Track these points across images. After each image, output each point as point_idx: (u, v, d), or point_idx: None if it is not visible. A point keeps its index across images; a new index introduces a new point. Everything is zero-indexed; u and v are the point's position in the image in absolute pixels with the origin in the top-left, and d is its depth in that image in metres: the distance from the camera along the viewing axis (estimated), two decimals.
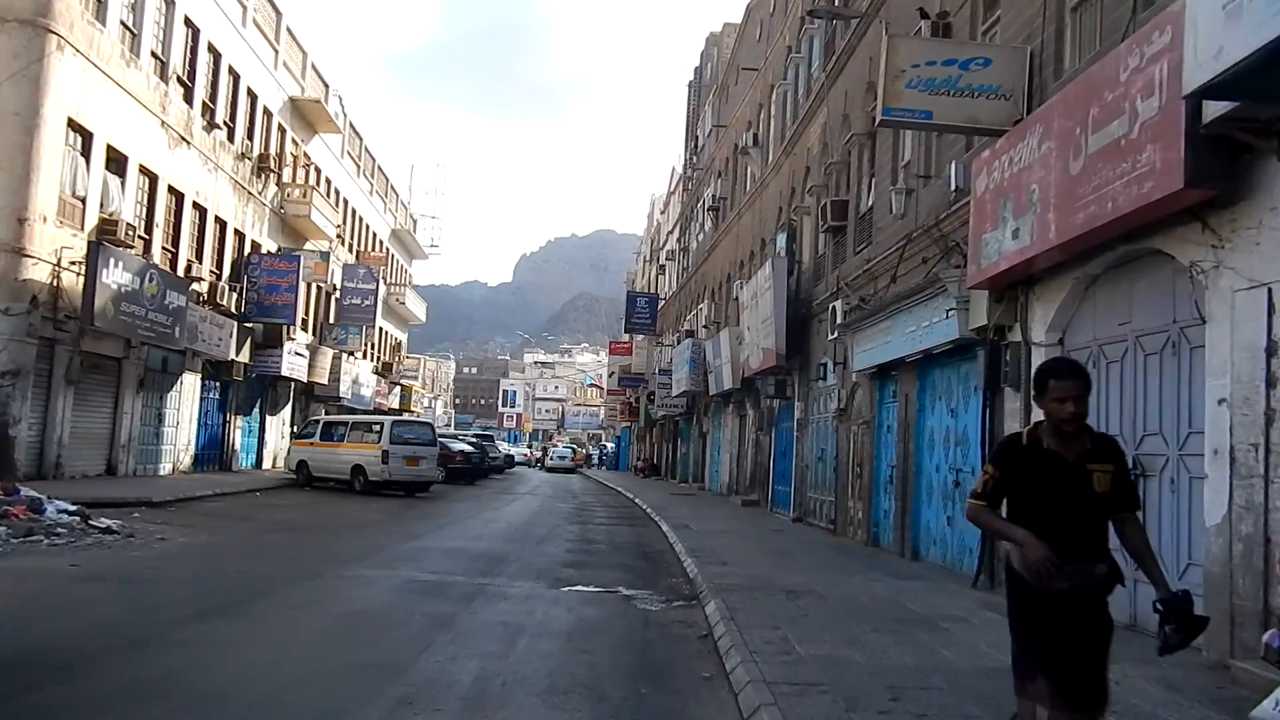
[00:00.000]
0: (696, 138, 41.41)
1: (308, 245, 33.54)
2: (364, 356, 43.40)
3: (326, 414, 33.22)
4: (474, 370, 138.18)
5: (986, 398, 10.58)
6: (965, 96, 10.20)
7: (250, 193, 28.59)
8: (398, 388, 49.90)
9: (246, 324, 28.51)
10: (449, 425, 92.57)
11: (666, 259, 47.66)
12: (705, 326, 33.22)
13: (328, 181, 36.60)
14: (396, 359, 50.14)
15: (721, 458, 30.48)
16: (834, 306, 16.22)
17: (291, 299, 29.27)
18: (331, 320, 38.09)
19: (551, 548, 14.53)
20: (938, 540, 12.52)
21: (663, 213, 53.18)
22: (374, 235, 45.05)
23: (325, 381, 35.05)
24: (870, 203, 16.45)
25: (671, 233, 47.73)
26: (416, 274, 55.41)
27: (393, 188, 49.27)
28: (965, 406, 11.86)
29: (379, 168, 45.67)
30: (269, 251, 30.07)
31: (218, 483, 22.64)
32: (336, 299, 38.49)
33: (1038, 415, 3.95)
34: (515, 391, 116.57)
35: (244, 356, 28.21)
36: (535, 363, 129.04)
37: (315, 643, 7.04)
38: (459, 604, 8.89)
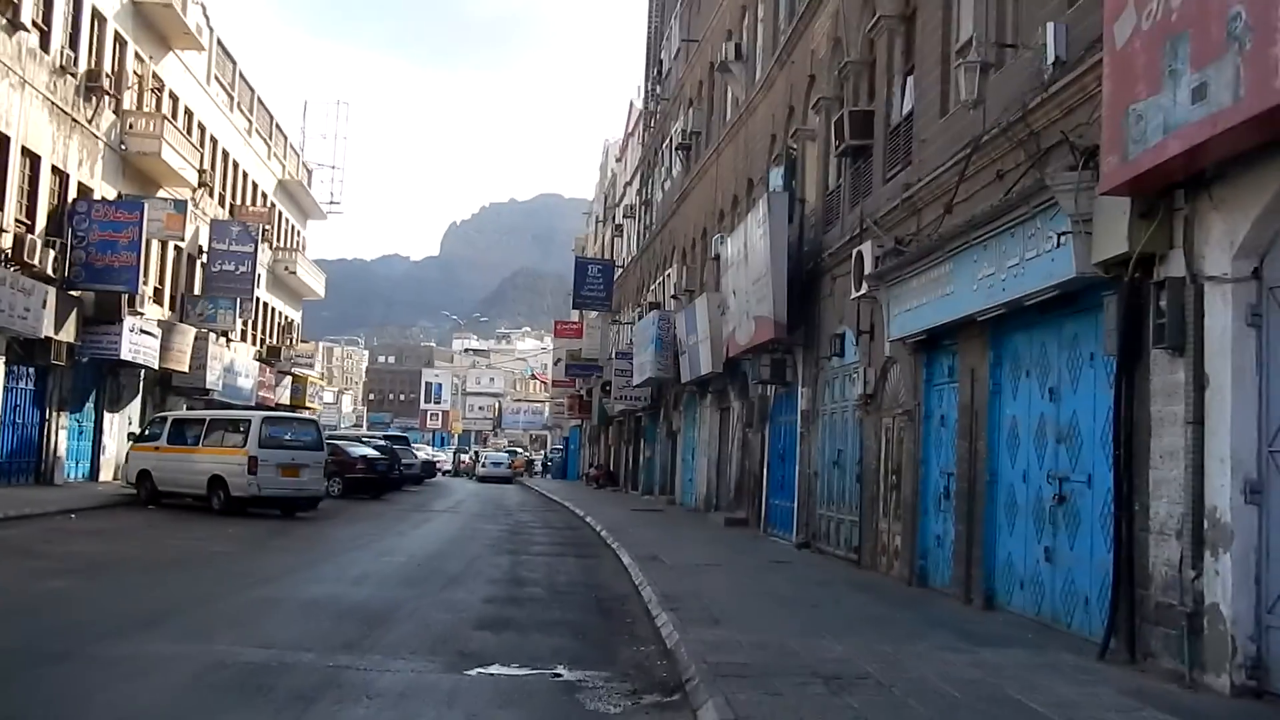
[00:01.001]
0: (660, 62, 38.81)
1: (161, 193, 30.46)
2: (242, 338, 40.31)
3: (189, 409, 30.29)
4: (391, 359, 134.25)
5: (1120, 369, 8.10)
6: None
7: (75, 120, 25.44)
8: (289, 378, 46.78)
9: (71, 292, 25.41)
10: (360, 425, 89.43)
11: (624, 216, 45.02)
12: (674, 297, 30.70)
13: (188, 113, 33.44)
14: (286, 343, 47.00)
15: (697, 463, 27.98)
16: (859, 253, 13.70)
17: (133, 259, 26.19)
18: (197, 291, 34.99)
19: (463, 594, 11.88)
20: (1028, 581, 10.05)
21: (618, 160, 50.49)
22: (254, 186, 41.88)
23: (186, 369, 31.95)
24: (909, 107, 13.97)
25: (630, 184, 45.09)
26: (322, 245, 52.28)
27: (279, 128, 46.07)
28: (1074, 384, 9.38)
29: (260, 101, 42.48)
30: (104, 199, 26.96)
31: (19, 501, 19.64)
32: (202, 264, 35.39)
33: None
34: (441, 384, 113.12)
35: (67, 334, 25.08)
36: (466, 350, 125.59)
37: None
38: (285, 712, 6.22)
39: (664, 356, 28.70)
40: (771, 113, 21.74)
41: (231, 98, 38.46)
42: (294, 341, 49.24)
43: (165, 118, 29.41)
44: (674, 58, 35.33)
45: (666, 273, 33.24)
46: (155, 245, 31.13)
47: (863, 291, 13.47)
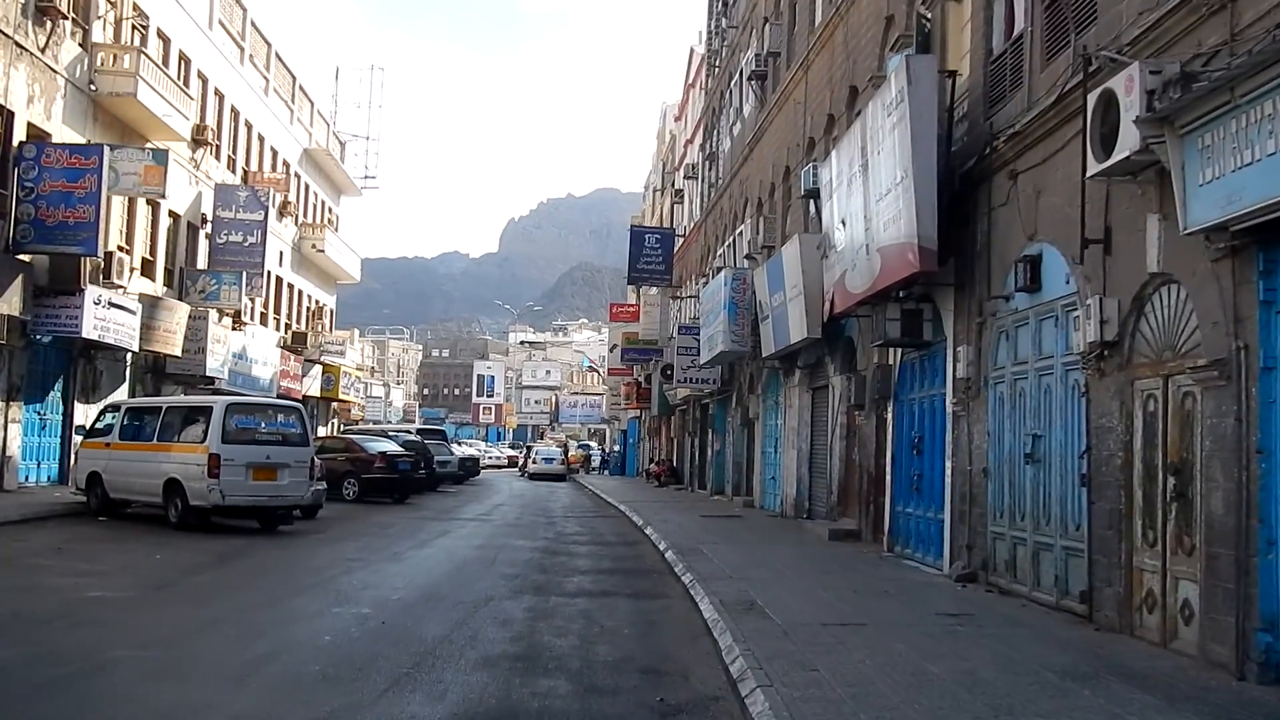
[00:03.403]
0: None
1: (149, 146, 25.33)
2: (261, 322, 35.26)
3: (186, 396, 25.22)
4: (445, 353, 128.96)
5: None
6: None
7: (21, 47, 20.29)
8: (317, 368, 41.68)
9: (19, 256, 20.44)
10: (412, 420, 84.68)
11: (685, 178, 39.18)
12: (749, 257, 24.88)
13: (184, 59, 28.30)
14: (315, 329, 41.91)
15: (782, 458, 22.14)
16: (1105, 95, 7.81)
17: (90, 214, 21.05)
18: (201, 266, 29.95)
19: (418, 705, 6.31)
20: None
21: (677, 119, 44.62)
22: (273, 152, 36.74)
23: (178, 352, 26.84)
24: None
25: (691, 141, 39.25)
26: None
27: (303, 91, 40.93)
28: None
29: (278, 57, 37.31)
30: (61, 143, 21.84)
31: None
32: (207, 235, 30.32)
33: None
34: (493, 377, 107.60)
35: (11, 306, 20.03)
36: (521, 342, 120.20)
37: None
38: None
39: (739, 326, 22.89)
40: None
41: (241, 49, 33.29)
42: (326, 328, 44.19)
43: (143, 52, 24.14)
44: None
45: (738, 230, 27.41)
46: (143, 208, 26.21)
47: (1122, 156, 7.55)
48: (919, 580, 11.87)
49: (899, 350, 14.40)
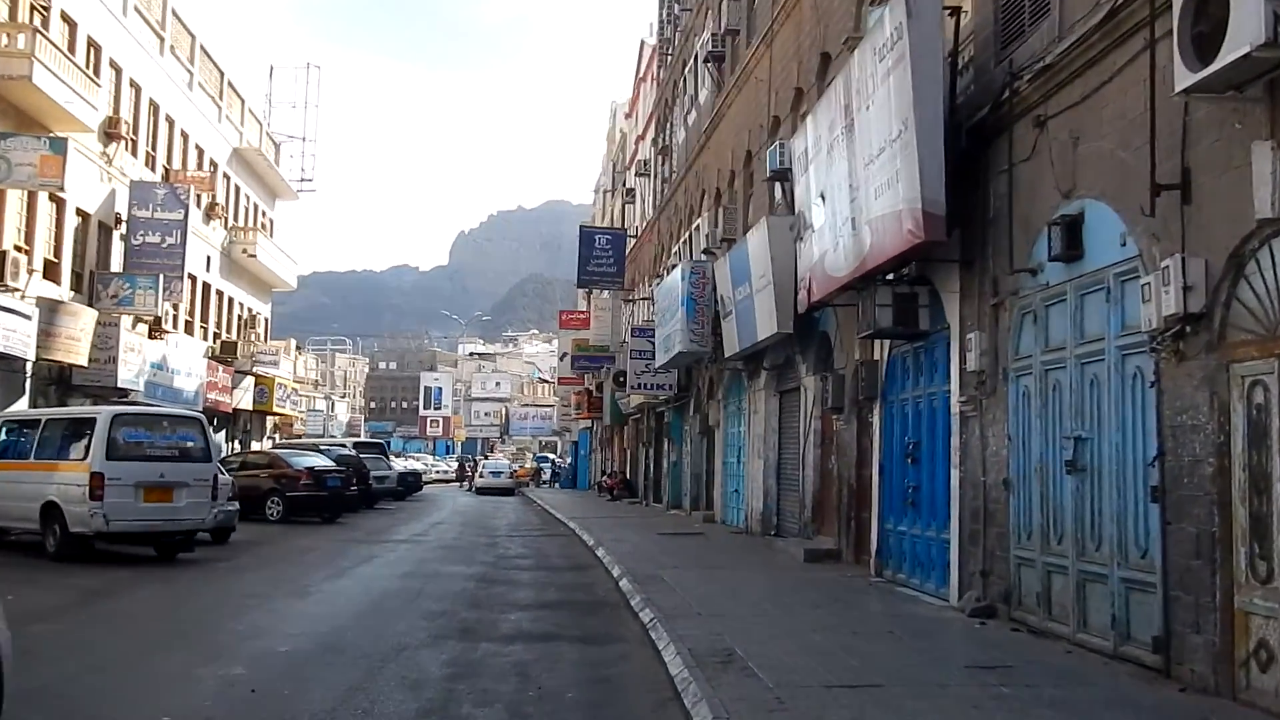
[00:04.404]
0: None
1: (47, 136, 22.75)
2: (186, 330, 32.63)
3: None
4: (392, 365, 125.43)
5: None
6: None
7: None
8: (249, 379, 38.93)
9: None
10: (358, 433, 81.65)
11: (637, 175, 37.10)
12: (707, 252, 22.83)
13: (93, 44, 25.74)
14: (247, 338, 39.20)
15: (746, 469, 20.06)
16: None
17: None
18: (116, 269, 27.35)
19: None
20: None
21: (628, 116, 42.61)
22: (198, 150, 34.10)
23: (84, 361, 24.22)
24: None
25: (643, 138, 37.21)
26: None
27: (233, 87, 38.29)
28: None
29: (203, 50, 34.67)
30: None
31: None
32: (121, 235, 27.72)
33: None
34: (441, 389, 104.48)
35: None
36: (471, 354, 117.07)
37: None
38: None
39: (698, 324, 20.79)
40: None
41: (161, 39, 30.70)
42: (260, 337, 41.44)
43: (39, 32, 21.56)
44: None
45: (695, 224, 25.38)
46: (45, 204, 23.61)
47: (1237, 54, 5.51)
48: (925, 615, 9.82)
49: (887, 343, 12.41)
